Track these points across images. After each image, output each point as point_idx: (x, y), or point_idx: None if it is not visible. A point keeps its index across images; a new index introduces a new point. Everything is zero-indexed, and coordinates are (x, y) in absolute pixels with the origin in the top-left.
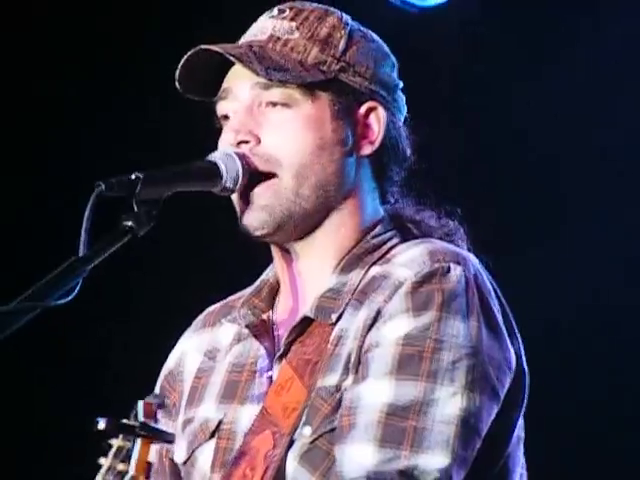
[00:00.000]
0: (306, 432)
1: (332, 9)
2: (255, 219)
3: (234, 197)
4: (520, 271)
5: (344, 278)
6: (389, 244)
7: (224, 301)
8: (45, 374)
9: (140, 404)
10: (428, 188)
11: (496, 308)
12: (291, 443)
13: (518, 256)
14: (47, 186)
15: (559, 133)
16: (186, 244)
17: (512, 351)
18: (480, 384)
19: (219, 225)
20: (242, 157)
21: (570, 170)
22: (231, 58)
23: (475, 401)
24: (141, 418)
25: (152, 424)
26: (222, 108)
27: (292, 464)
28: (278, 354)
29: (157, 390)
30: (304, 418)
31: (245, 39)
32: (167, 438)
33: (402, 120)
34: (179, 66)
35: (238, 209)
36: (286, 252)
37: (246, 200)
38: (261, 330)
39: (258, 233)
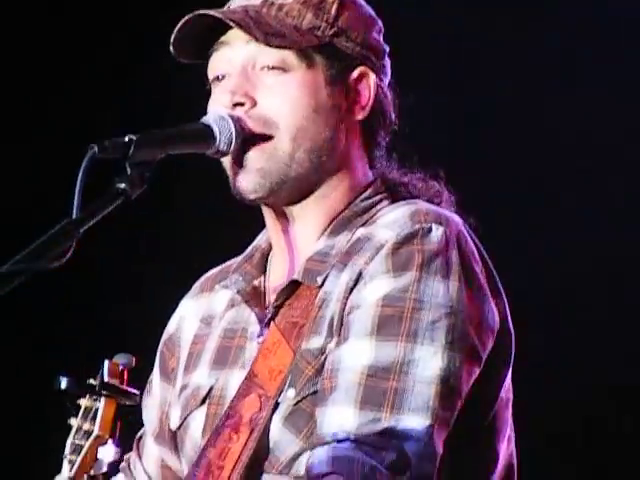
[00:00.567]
0: (290, 394)
1: None
2: (249, 182)
3: (226, 161)
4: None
5: (332, 241)
6: (378, 207)
7: (222, 266)
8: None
9: (106, 364)
10: (412, 151)
11: (478, 268)
12: (276, 406)
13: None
14: (39, 148)
15: (545, 99)
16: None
17: (495, 311)
18: (460, 344)
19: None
20: (236, 120)
21: (554, 134)
22: (231, 24)
23: (455, 361)
24: (105, 378)
25: (116, 383)
26: (214, 66)
27: (277, 426)
28: (267, 318)
29: (158, 355)
30: (289, 380)
31: (237, 3)
32: (131, 398)
33: (388, 84)
34: (175, 30)
35: (231, 172)
36: (279, 215)
37: (240, 164)
38: (252, 296)
39: (252, 197)
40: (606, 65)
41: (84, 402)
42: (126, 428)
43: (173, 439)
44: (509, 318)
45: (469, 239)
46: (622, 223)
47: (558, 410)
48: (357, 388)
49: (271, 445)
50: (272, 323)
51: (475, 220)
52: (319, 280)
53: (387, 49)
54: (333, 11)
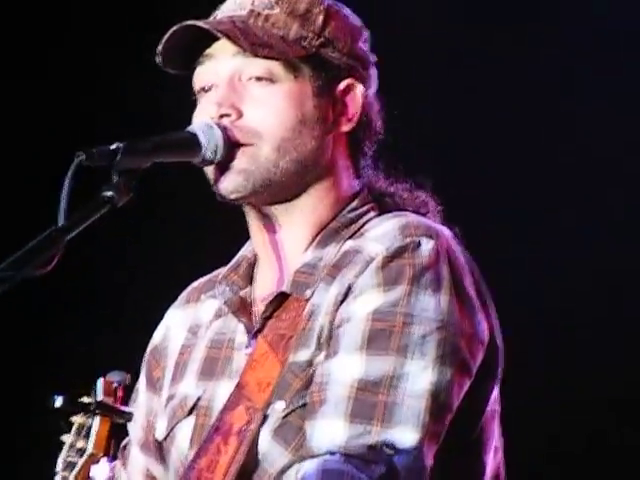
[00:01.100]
0: (279, 407)
1: None
2: (231, 182)
3: (209, 168)
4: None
5: (320, 253)
6: (365, 218)
7: (209, 275)
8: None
9: (100, 382)
10: (397, 161)
11: (468, 281)
12: (265, 418)
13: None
14: (29, 152)
15: (544, 115)
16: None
17: (485, 324)
18: (451, 358)
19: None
20: (223, 129)
21: (553, 149)
22: (218, 34)
23: (446, 375)
24: (100, 396)
25: (110, 402)
26: (201, 78)
27: (265, 439)
28: (255, 329)
29: (143, 365)
30: (276, 393)
31: (224, 13)
32: (125, 416)
33: (374, 94)
34: (162, 41)
35: (213, 178)
36: (265, 222)
37: (223, 168)
38: (239, 306)
39: (233, 196)
40: (606, 79)
41: (77, 419)
42: (119, 446)
43: (159, 449)
44: (498, 331)
45: (459, 252)
46: (622, 237)
47: (558, 423)
48: (347, 401)
49: (260, 457)
50: (260, 335)
51: (463, 230)
52: (308, 293)
53: (374, 59)
54: (319, 22)
